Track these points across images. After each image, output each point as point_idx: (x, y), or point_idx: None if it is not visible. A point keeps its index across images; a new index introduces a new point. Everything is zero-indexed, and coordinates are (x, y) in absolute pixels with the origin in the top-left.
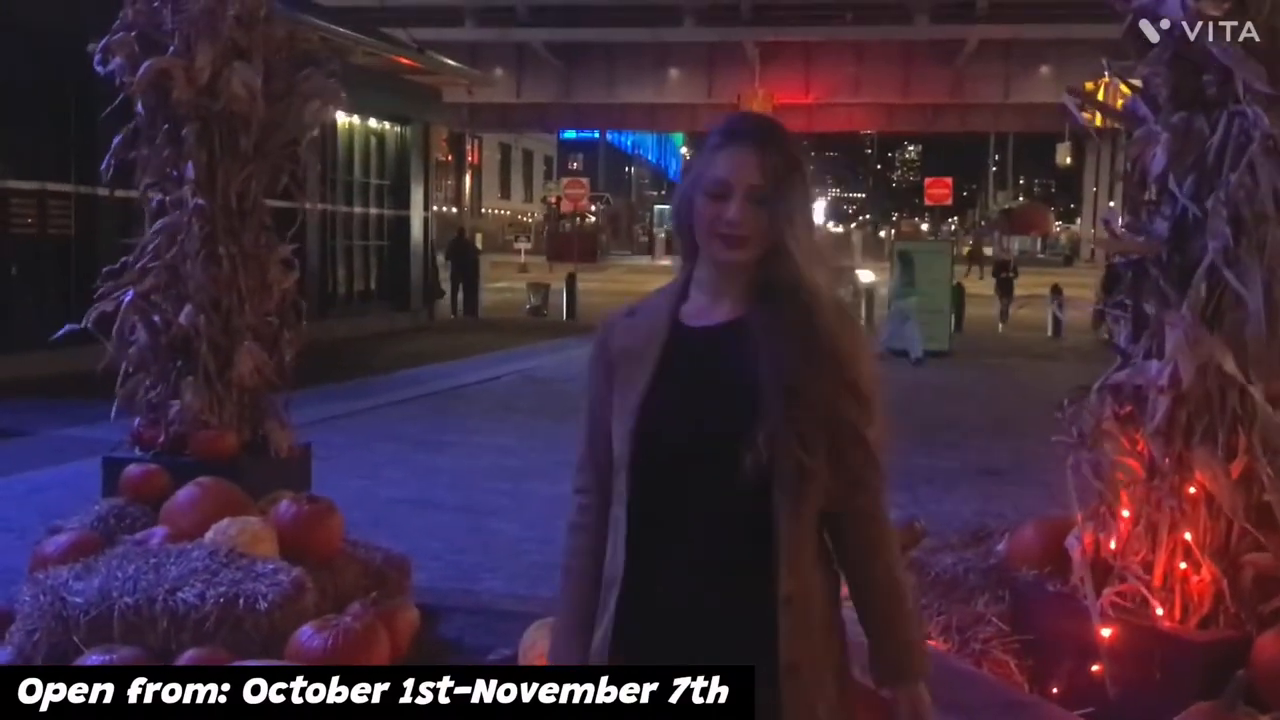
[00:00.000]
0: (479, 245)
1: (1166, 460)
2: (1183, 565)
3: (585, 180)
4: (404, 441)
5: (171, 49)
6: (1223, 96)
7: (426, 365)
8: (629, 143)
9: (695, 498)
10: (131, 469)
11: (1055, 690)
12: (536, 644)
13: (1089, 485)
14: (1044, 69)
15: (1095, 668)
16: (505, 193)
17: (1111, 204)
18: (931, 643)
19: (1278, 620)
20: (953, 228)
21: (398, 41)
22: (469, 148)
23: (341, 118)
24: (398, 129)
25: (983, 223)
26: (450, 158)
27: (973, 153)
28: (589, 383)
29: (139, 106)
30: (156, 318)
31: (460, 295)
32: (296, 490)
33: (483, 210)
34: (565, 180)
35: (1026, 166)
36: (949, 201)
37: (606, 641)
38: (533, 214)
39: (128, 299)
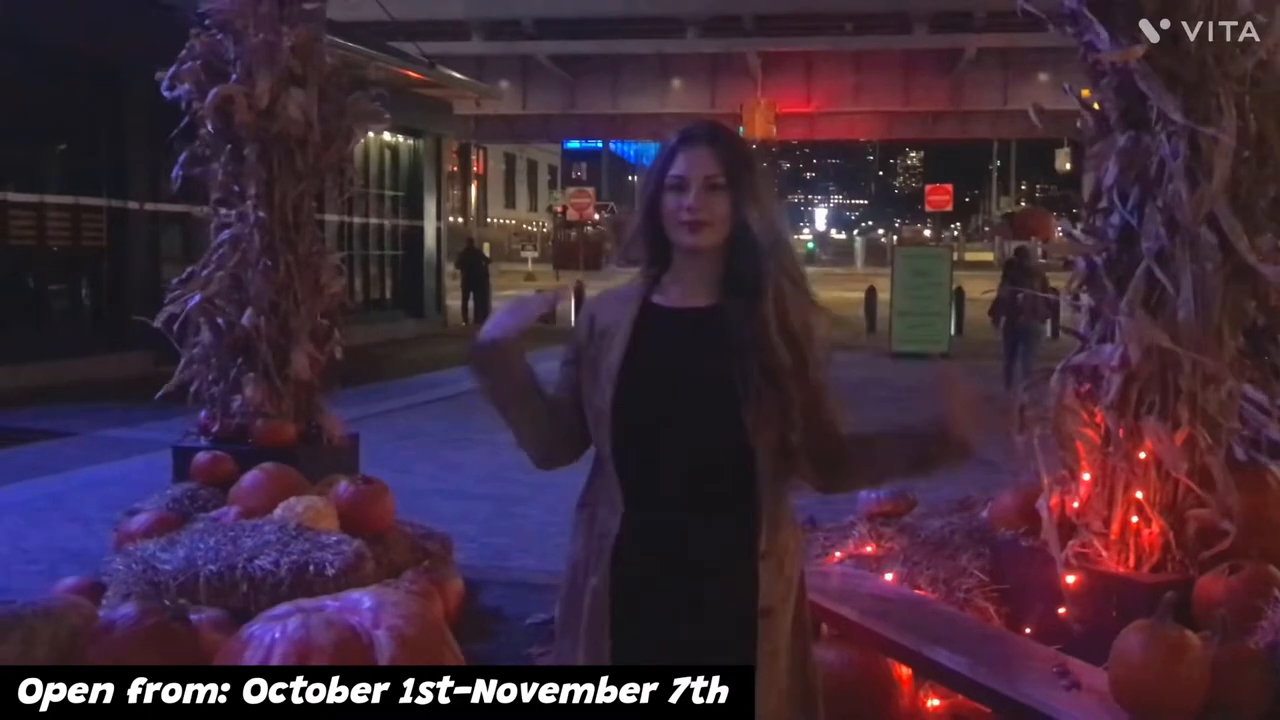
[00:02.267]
0: (487, 254)
1: (1120, 430)
2: (1135, 520)
3: (591, 190)
4: (430, 439)
5: (234, 77)
6: (1161, 119)
7: (443, 370)
8: (632, 151)
9: (674, 463)
10: (201, 456)
11: (1028, 630)
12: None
13: (1054, 454)
14: (1042, 75)
15: (1061, 610)
16: (510, 202)
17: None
18: (920, 592)
19: (1215, 564)
20: (955, 233)
21: (409, 56)
22: (474, 158)
23: None
24: (410, 142)
25: (985, 228)
26: (456, 168)
27: (974, 158)
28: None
29: (207, 127)
30: (220, 320)
31: (471, 303)
32: (347, 475)
33: (488, 220)
34: (571, 190)
35: (1028, 171)
36: (949, 207)
37: (605, 584)
38: (538, 223)
39: (193, 303)
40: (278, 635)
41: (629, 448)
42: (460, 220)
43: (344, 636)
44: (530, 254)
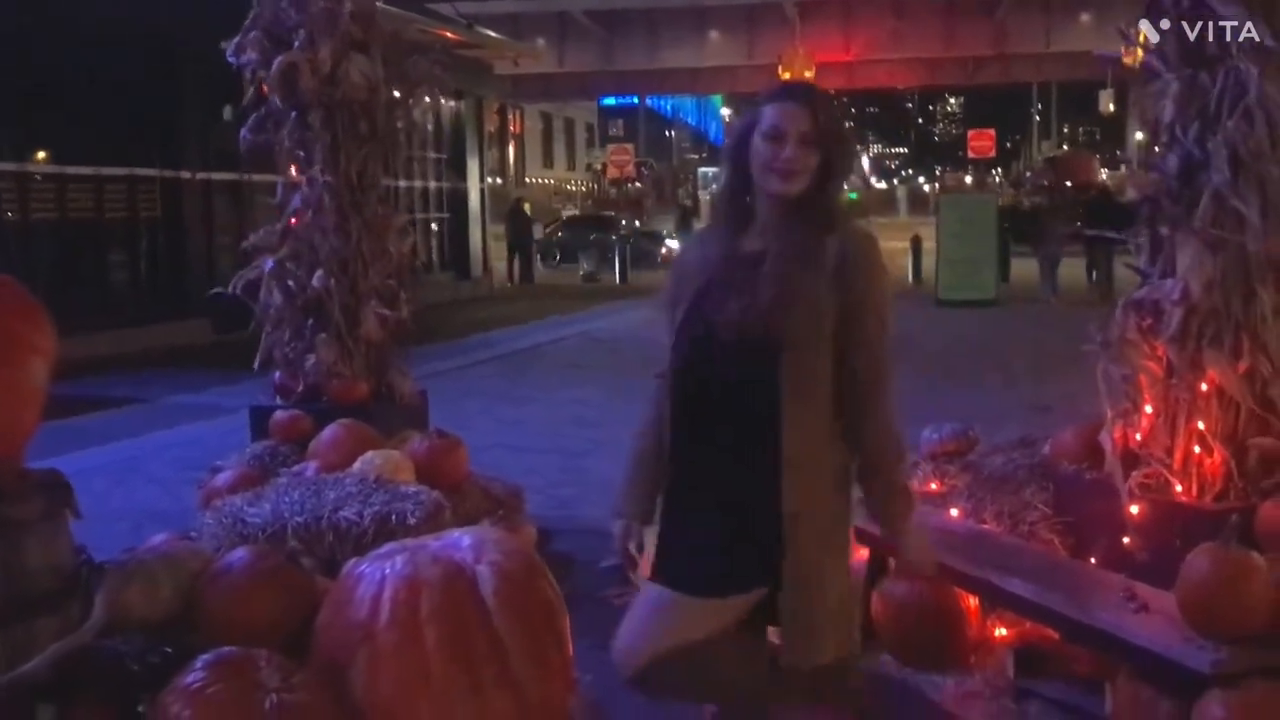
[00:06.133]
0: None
1: (1182, 362)
2: (1197, 450)
3: (630, 146)
4: (488, 396)
5: (297, 44)
6: (1223, 54)
7: (495, 330)
8: (669, 107)
9: (716, 381)
10: (279, 414)
11: (1093, 560)
12: (646, 549)
13: (1117, 387)
14: (1084, 17)
15: (1125, 540)
16: (548, 162)
17: (1156, 149)
18: (985, 526)
19: (1277, 492)
20: (997, 179)
21: (447, 17)
22: (511, 118)
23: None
24: (452, 104)
25: (1028, 173)
26: (494, 129)
27: (1015, 103)
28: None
29: (272, 97)
30: (291, 283)
31: (516, 264)
32: (419, 430)
33: (527, 179)
34: (611, 147)
35: (1070, 115)
36: (992, 153)
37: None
38: (576, 182)
39: (268, 267)
40: (388, 571)
41: (682, 373)
42: (499, 181)
43: (449, 571)
44: (571, 212)
